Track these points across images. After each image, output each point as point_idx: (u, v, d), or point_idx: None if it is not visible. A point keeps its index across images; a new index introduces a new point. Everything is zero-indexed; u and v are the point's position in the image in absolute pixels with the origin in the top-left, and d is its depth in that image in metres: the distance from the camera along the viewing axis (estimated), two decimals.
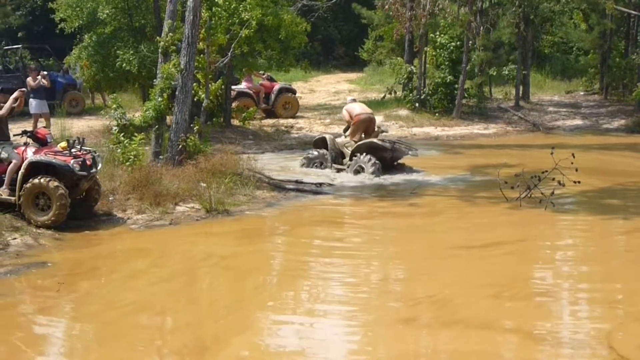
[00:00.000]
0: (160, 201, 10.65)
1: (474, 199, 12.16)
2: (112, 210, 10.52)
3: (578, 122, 24.10)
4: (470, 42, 22.69)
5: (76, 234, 9.53)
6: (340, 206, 12.11)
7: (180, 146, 12.44)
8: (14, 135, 10.08)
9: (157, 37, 13.37)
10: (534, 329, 6.48)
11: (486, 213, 11.25)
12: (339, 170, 14.31)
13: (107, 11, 17.97)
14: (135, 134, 12.21)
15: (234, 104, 20.17)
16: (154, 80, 13.11)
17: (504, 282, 7.85)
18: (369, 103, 22.63)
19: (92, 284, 7.90)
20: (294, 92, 23.93)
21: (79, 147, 9.90)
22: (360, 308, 7.12)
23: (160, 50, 12.88)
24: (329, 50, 40.25)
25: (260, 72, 22.20)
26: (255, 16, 15.75)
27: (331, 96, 28.21)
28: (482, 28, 22.93)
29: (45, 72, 17.56)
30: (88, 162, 9.77)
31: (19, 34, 30.62)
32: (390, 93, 24.97)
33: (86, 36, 18.85)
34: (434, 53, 23.85)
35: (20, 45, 24.96)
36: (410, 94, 23.65)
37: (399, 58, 26.13)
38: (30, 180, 9.41)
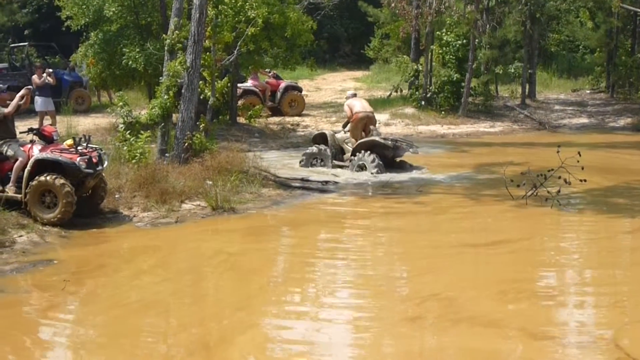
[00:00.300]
0: (166, 199, 10.67)
1: (480, 197, 12.13)
2: (118, 208, 10.55)
3: (584, 120, 24.01)
4: (477, 40, 22.63)
5: (82, 232, 9.55)
6: (346, 204, 12.09)
7: (186, 144, 12.46)
8: (20, 133, 10.09)
9: (164, 35, 13.40)
10: (539, 328, 6.46)
11: (492, 211, 11.22)
12: (339, 167, 14.30)
13: (114, 9, 17.97)
14: (142, 132, 12.25)
15: (240, 102, 20.20)
16: (160, 78, 13.15)
17: (510, 280, 7.83)
18: (375, 101, 22.74)
19: (98, 281, 7.90)
20: (300, 90, 23.95)
21: (85, 144, 9.89)
22: (365, 306, 7.12)
23: (166, 47, 12.91)
24: (335, 48, 40.20)
25: (266, 70, 22.21)
26: (262, 14, 15.79)
27: (337, 94, 28.17)
28: (488, 26, 22.83)
29: (50, 70, 17.62)
30: (94, 160, 9.79)
31: (25, 32, 30.73)
32: (396, 91, 24.98)
33: (92, 34, 18.85)
34: (440, 51, 23.78)
35: (26, 43, 25.00)
36: (417, 92, 23.61)
37: (405, 56, 26.08)
38: (37, 177, 9.41)
